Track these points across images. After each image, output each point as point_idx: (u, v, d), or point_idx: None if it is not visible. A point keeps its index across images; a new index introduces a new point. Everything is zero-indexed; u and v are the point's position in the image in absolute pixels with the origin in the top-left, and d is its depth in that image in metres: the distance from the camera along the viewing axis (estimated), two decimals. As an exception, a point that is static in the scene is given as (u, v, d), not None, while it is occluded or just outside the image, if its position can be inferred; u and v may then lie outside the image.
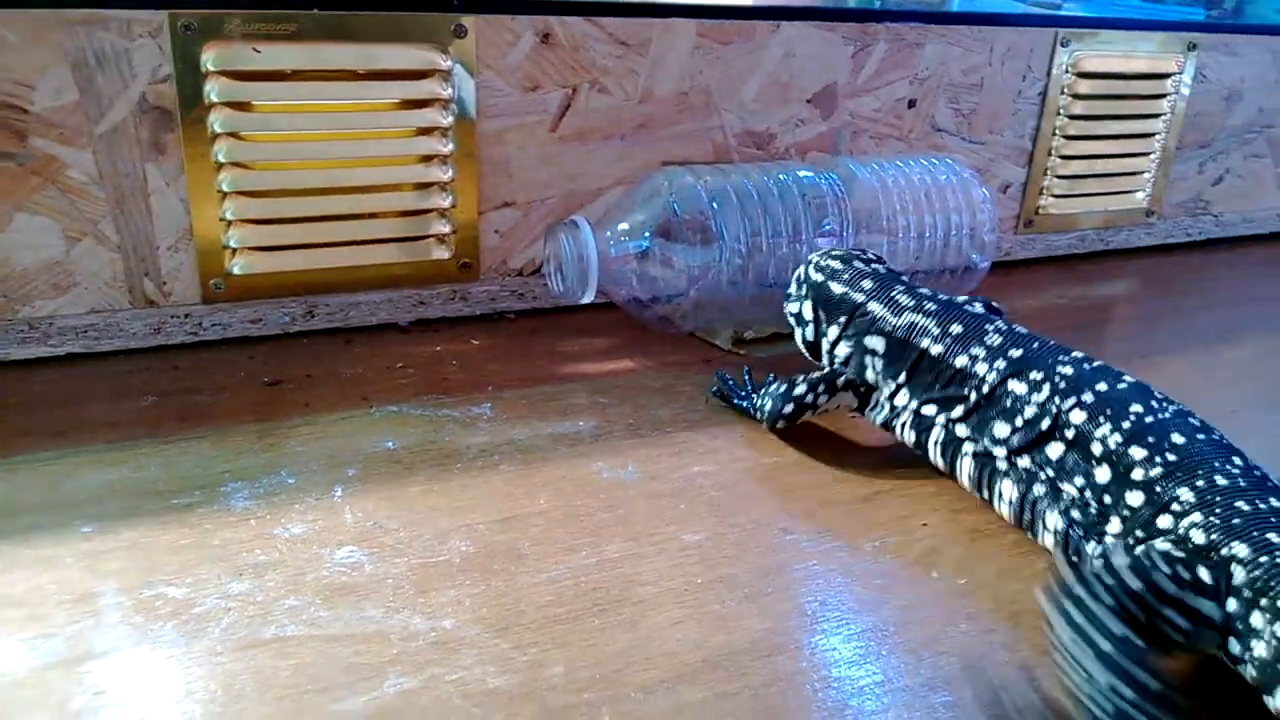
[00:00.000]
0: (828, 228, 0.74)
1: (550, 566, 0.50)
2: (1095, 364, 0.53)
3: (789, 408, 0.61)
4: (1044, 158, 0.93)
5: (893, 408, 0.59)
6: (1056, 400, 0.51)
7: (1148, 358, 0.78)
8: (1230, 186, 1.05)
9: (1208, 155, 1.02)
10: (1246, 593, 0.41)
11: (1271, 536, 0.42)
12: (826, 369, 0.62)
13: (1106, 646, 0.40)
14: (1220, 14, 1.31)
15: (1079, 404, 0.50)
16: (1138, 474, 0.47)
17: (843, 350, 0.61)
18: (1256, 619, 0.40)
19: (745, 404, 0.65)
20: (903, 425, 0.58)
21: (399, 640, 0.44)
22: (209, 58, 0.64)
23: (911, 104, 0.86)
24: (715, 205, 0.71)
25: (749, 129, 0.81)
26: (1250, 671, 0.41)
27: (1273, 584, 0.40)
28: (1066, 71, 0.91)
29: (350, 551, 0.50)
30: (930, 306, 0.59)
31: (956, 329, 0.57)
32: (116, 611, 0.45)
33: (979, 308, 0.59)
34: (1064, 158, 0.94)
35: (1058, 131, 0.93)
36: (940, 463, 0.57)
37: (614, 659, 0.44)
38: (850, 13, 0.81)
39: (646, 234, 0.70)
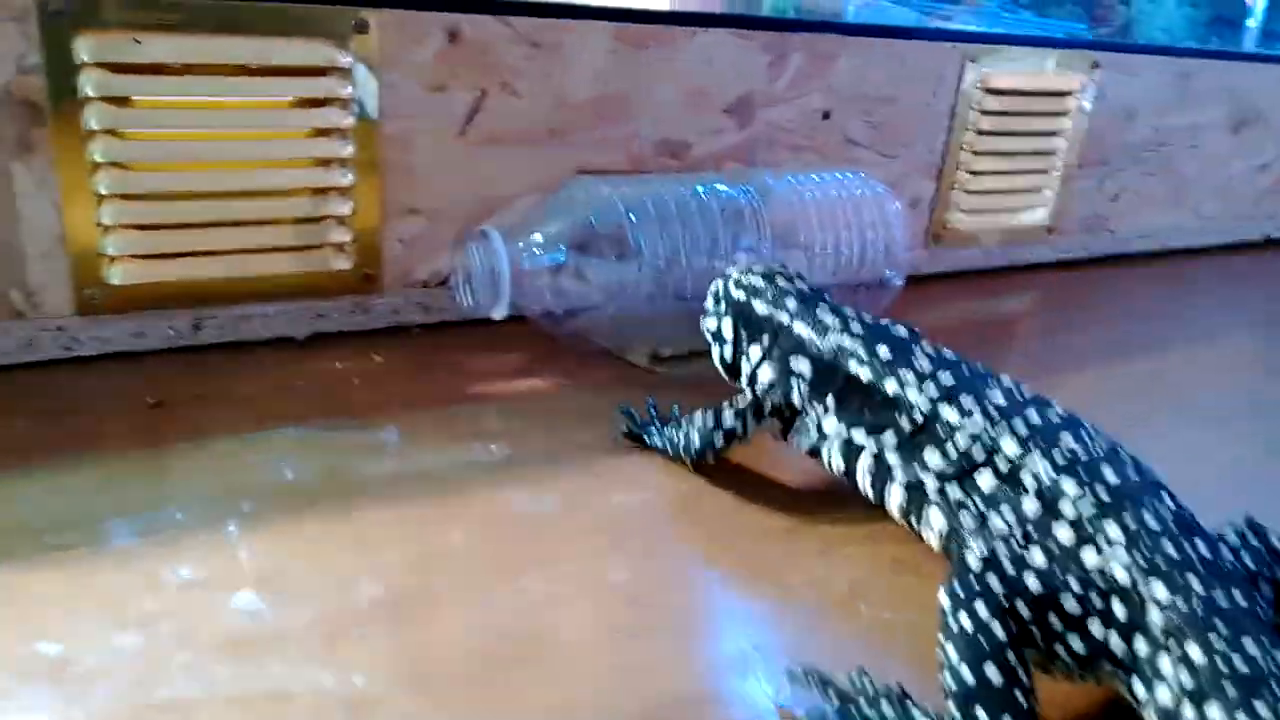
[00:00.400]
0: (746, 244, 0.72)
1: (468, 611, 0.47)
2: (1027, 393, 0.53)
3: (719, 440, 0.59)
4: (952, 173, 0.94)
5: (820, 433, 0.58)
6: (989, 429, 0.51)
7: (1052, 371, 0.79)
8: (1127, 203, 1.07)
9: (1106, 172, 1.04)
10: (1158, 635, 0.41)
11: (1192, 581, 0.42)
12: (750, 395, 0.60)
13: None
14: (1110, 32, 1.34)
15: (1012, 434, 0.50)
16: (1067, 508, 0.46)
17: (766, 373, 0.60)
18: (1164, 662, 0.40)
19: (661, 442, 0.61)
20: (829, 451, 0.57)
21: (307, 700, 0.41)
22: (83, 47, 0.58)
23: (826, 115, 0.85)
24: (633, 218, 0.68)
25: (665, 138, 0.78)
26: (1151, 716, 0.40)
27: (1184, 630, 0.40)
28: (975, 87, 0.91)
29: (248, 598, 0.46)
30: (856, 328, 0.58)
31: (884, 352, 0.56)
32: (-20, 676, 0.40)
33: (901, 330, 0.59)
34: (971, 173, 0.95)
35: (965, 147, 0.93)
36: (869, 492, 0.55)
37: (541, 716, 0.41)
38: (767, 21, 0.79)
39: (561, 247, 0.67)
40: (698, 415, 0.60)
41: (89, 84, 0.59)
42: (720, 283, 0.64)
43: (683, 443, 0.60)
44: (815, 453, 0.58)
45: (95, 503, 0.51)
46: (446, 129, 0.70)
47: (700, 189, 0.72)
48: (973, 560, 0.44)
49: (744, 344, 0.61)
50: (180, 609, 0.45)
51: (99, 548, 0.48)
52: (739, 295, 0.62)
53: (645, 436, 0.62)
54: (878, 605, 0.50)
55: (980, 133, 0.93)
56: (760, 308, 0.61)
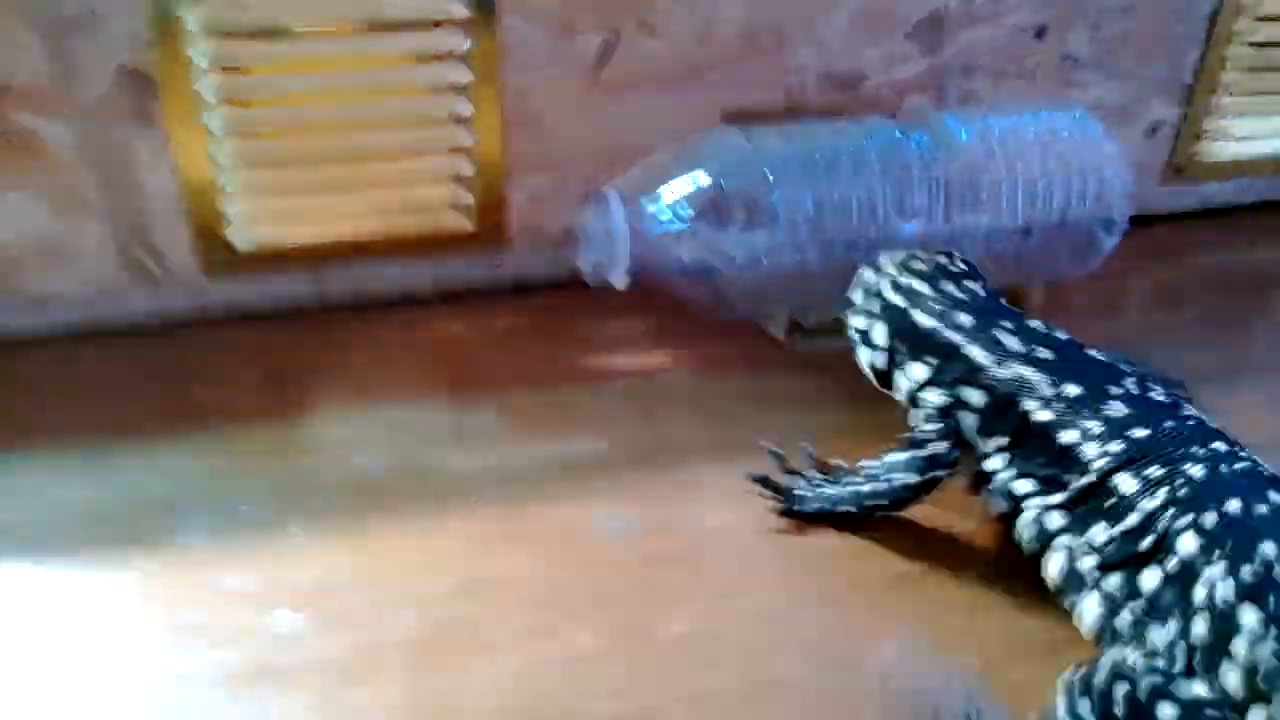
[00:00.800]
0: (914, 207, 0.62)
1: (506, 656, 0.43)
2: (1241, 462, 0.41)
3: (927, 472, 0.48)
4: (1207, 93, 0.77)
5: (982, 473, 0.48)
6: (1169, 513, 0.40)
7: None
8: None
9: None
10: None
11: None
12: (939, 420, 0.49)
13: None
14: None
15: (1196, 527, 0.39)
16: (1240, 648, 0.36)
17: (934, 397, 0.50)
18: None
19: (819, 503, 0.50)
20: (989, 493, 0.48)
21: (307, 755, 0.39)
22: (193, 18, 0.56)
23: (1040, 33, 0.71)
24: (770, 176, 0.60)
25: (832, 70, 0.68)
26: None
27: None
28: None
29: (287, 618, 0.44)
30: (1043, 354, 0.48)
31: (1072, 389, 0.46)
32: None
33: (1103, 358, 0.48)
34: (1235, 95, 0.77)
35: (1229, 64, 0.76)
36: (1027, 546, 0.46)
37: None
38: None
39: (688, 211, 0.60)
40: (886, 457, 0.49)
41: (202, 54, 0.57)
42: (872, 276, 0.54)
43: (866, 488, 0.49)
44: (974, 490, 0.49)
45: (175, 487, 0.51)
46: (574, 76, 0.64)
47: (864, 141, 0.62)
48: (1104, 670, 0.36)
49: (902, 357, 0.52)
50: (217, 623, 0.44)
51: (163, 542, 0.48)
52: (897, 300, 0.52)
53: (794, 502, 0.51)
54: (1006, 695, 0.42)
55: (1255, 45, 0.75)
56: (924, 320, 0.51)
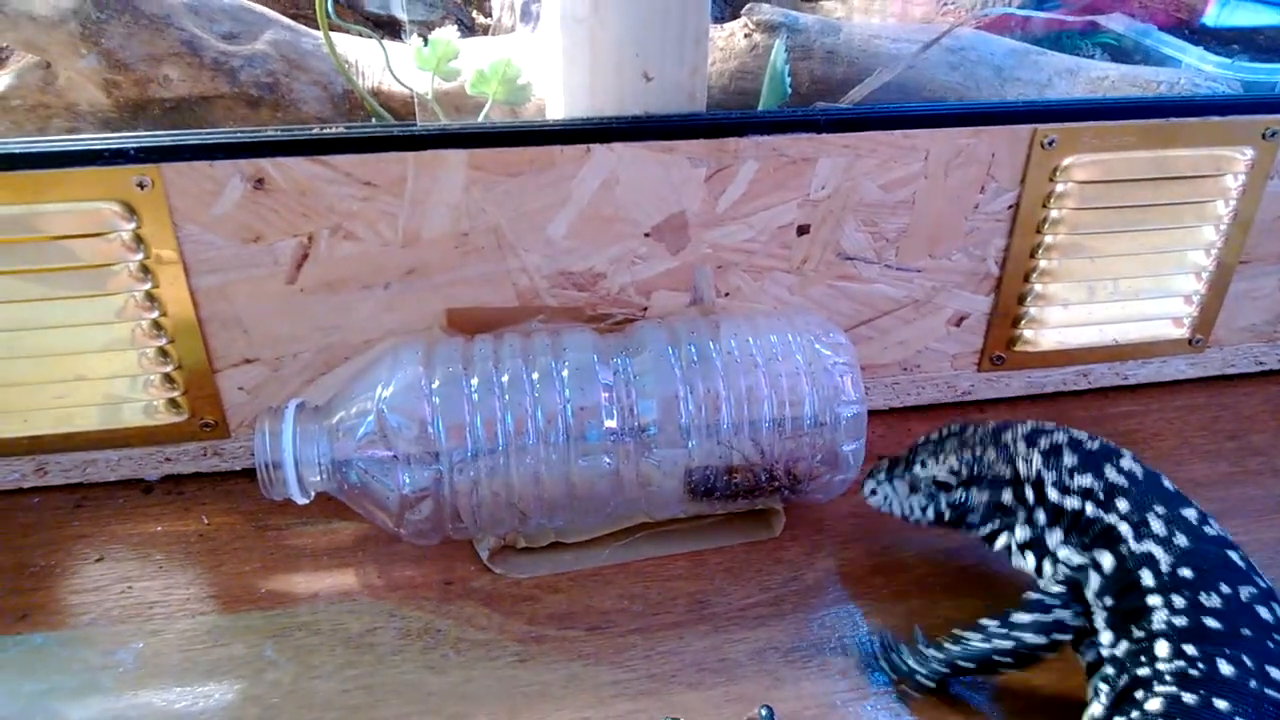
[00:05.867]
0: (596, 435, 0.58)
1: None
2: None
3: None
4: (1017, 282, 0.70)
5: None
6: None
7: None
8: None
9: (1296, 269, 0.74)
10: None
11: None
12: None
13: None
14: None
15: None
16: None
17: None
18: None
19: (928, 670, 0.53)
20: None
21: None
22: None
23: (803, 230, 0.66)
24: (437, 401, 0.57)
25: (563, 270, 0.64)
26: None
27: None
28: (1054, 179, 0.66)
29: None
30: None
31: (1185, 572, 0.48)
32: None
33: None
34: (1049, 283, 0.70)
35: (1040, 253, 0.69)
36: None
37: None
38: (697, 126, 0.61)
39: (354, 437, 0.57)
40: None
41: None
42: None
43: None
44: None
45: None
46: (271, 277, 0.61)
47: (554, 362, 0.58)
48: None
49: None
50: None
51: None
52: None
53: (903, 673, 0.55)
54: None
55: (1063, 233, 0.68)
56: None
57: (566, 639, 0.58)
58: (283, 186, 0.58)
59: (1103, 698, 0.47)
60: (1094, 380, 0.76)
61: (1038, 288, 0.70)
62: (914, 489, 0.57)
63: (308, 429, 0.58)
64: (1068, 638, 0.50)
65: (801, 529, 0.65)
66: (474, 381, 0.57)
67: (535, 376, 0.58)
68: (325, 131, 0.58)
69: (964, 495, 0.55)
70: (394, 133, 0.59)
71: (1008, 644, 0.50)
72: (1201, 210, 0.69)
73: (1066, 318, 0.72)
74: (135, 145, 0.56)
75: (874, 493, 0.59)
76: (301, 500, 0.59)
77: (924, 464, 0.57)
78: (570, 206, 0.62)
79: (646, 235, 0.64)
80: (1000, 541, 0.55)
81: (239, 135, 0.57)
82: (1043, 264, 0.69)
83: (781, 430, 0.60)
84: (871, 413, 0.64)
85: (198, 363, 0.63)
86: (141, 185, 0.57)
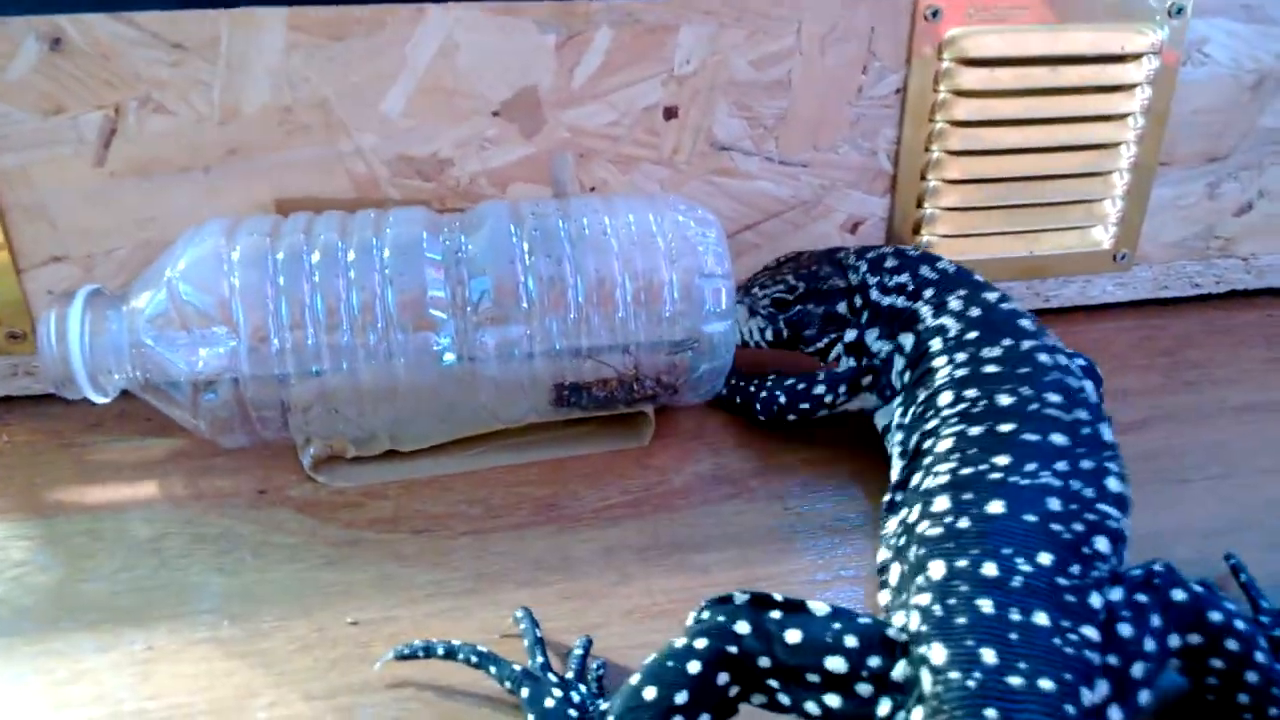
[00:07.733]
0: (438, 317, 0.51)
1: None
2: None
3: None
4: (914, 182, 0.64)
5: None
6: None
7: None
8: (1266, 217, 0.70)
9: (1225, 172, 0.68)
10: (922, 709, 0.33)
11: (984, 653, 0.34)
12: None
13: None
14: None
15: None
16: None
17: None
18: None
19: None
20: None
21: None
22: None
23: (670, 113, 0.60)
24: (235, 281, 0.50)
25: (404, 153, 0.59)
26: None
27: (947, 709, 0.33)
28: (941, 57, 0.61)
29: None
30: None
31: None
32: None
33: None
34: (950, 182, 0.64)
35: (935, 144, 0.63)
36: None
37: None
38: (543, -14, 0.56)
39: (144, 319, 0.51)
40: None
41: None
42: None
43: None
44: None
45: None
46: (76, 157, 0.56)
47: (375, 239, 0.52)
48: None
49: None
50: None
51: None
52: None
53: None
54: None
55: (956, 124, 0.63)
56: None
57: (385, 541, 0.50)
58: (83, 48, 0.53)
59: (895, 458, 0.49)
60: (1012, 300, 0.69)
61: (935, 184, 0.64)
62: (753, 312, 0.57)
63: (101, 316, 0.51)
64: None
65: (676, 437, 0.58)
66: (279, 256, 0.51)
67: (351, 256, 0.52)
68: (129, -14, 0.53)
69: (800, 311, 0.56)
70: (204, -14, 0.54)
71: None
72: (1110, 100, 0.64)
73: (971, 223, 0.66)
74: (-88, -6, 0.51)
75: None
76: (98, 399, 0.52)
77: (762, 285, 0.57)
78: (406, 77, 0.57)
79: (495, 114, 0.58)
80: (834, 353, 0.57)
81: (32, -12, 0.53)
82: (938, 155, 0.63)
83: (640, 312, 0.53)
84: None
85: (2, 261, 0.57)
86: (-80, 42, 0.52)
